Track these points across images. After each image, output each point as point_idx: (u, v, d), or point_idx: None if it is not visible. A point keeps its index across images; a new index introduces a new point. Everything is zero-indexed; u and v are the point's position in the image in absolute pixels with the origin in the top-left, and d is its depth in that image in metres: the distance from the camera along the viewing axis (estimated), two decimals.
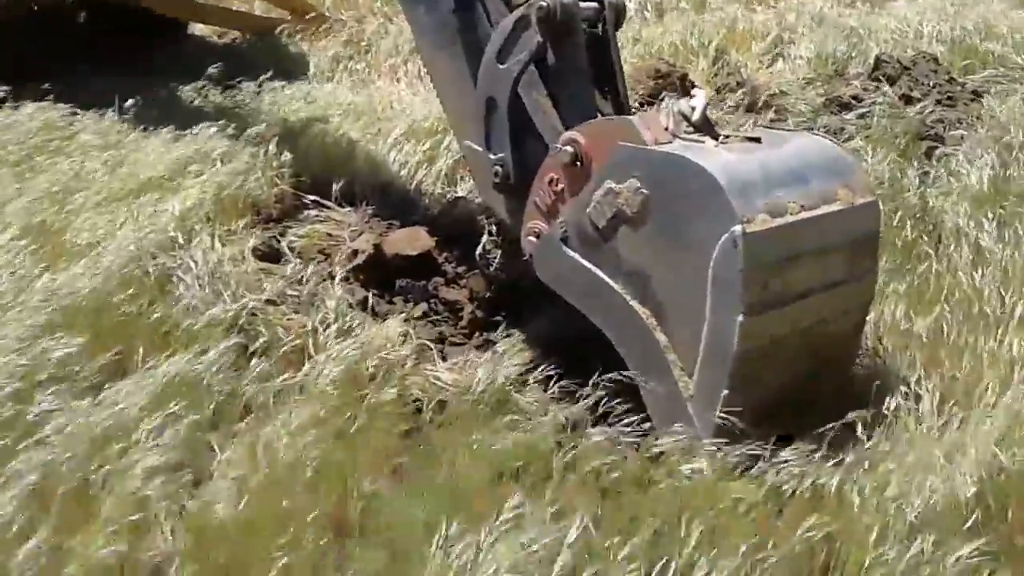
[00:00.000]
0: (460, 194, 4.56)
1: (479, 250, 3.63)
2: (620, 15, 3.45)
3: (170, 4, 6.69)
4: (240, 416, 3.02)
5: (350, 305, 3.61)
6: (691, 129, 2.88)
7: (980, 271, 3.75)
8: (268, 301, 3.57)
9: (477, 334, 3.61)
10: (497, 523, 2.43)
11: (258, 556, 2.46)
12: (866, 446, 2.72)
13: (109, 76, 5.82)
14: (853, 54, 6.77)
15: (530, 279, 3.24)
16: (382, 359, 3.21)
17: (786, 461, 2.61)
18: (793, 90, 6.15)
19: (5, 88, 5.35)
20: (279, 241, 4.09)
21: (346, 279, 3.78)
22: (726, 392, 2.64)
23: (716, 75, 6.38)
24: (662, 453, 2.67)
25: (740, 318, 2.59)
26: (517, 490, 2.60)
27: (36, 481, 2.63)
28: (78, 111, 5.22)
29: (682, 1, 8.14)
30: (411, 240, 3.98)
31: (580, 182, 2.99)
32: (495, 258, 3.59)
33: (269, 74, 5.95)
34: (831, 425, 2.68)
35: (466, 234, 3.92)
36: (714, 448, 2.62)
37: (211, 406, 2.99)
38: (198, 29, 7.57)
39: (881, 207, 3.10)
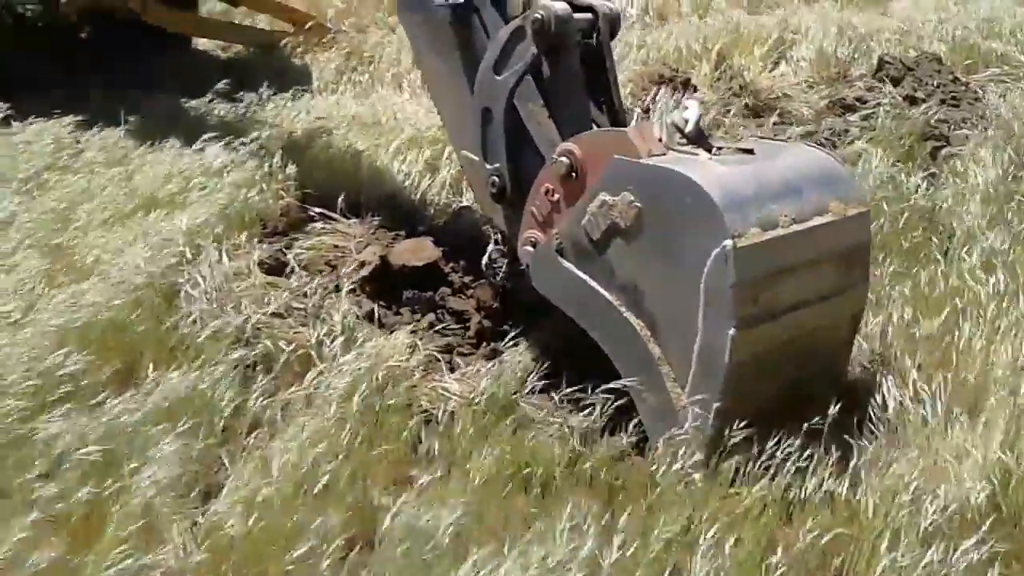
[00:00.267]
0: (465, 204, 4.55)
1: (485, 259, 3.64)
2: (615, 25, 3.45)
3: (174, 19, 6.72)
4: (249, 430, 3.02)
5: (357, 317, 3.61)
6: (684, 141, 2.90)
7: (987, 273, 3.74)
8: (274, 314, 3.57)
9: (485, 344, 3.60)
10: (513, 536, 2.43)
11: (272, 571, 2.46)
12: (873, 450, 2.71)
13: (115, 91, 5.84)
14: (856, 55, 6.76)
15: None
16: (390, 370, 3.21)
17: (792, 467, 2.61)
18: (796, 93, 6.15)
19: (11, 104, 5.37)
20: (285, 254, 4.09)
21: (352, 291, 3.77)
22: (718, 404, 2.65)
23: (719, 79, 6.37)
24: (668, 461, 2.67)
25: (732, 331, 2.61)
26: (528, 501, 2.60)
27: (47, 497, 2.63)
28: (85, 127, 5.24)
29: (684, 6, 8.14)
30: (417, 251, 3.98)
31: (575, 193, 3.02)
32: (502, 267, 3.60)
33: (273, 87, 5.96)
34: (831, 427, 2.68)
35: (472, 244, 3.92)
36: (706, 458, 2.63)
37: (220, 420, 3.00)
38: (202, 43, 7.60)
39: (871, 218, 3.11)
